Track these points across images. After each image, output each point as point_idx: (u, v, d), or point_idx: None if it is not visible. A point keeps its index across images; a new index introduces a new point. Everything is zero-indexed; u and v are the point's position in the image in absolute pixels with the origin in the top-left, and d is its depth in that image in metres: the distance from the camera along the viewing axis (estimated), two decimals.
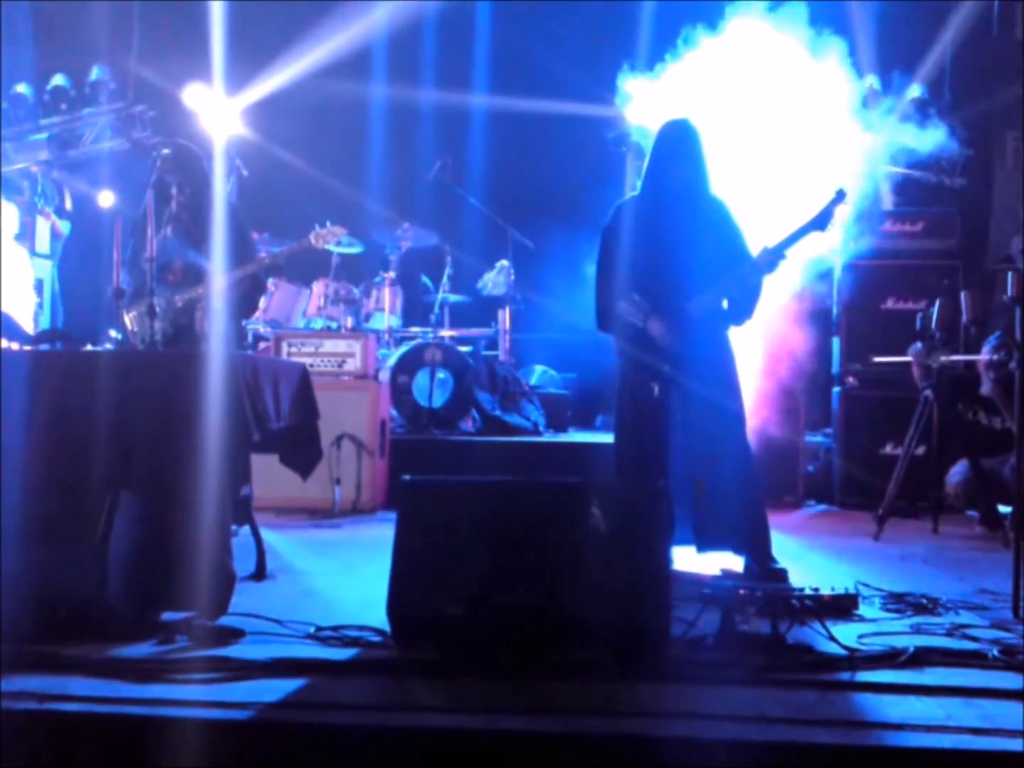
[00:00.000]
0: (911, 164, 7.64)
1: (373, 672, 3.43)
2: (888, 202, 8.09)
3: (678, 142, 5.06)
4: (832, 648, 3.60)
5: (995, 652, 3.58)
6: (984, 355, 6.18)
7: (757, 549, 4.94)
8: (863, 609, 4.21)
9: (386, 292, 8.88)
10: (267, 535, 5.04)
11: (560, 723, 2.95)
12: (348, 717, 3.00)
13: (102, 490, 3.82)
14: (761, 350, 6.91)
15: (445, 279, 9.05)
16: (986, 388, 6.23)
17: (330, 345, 7.61)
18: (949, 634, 3.86)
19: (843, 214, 5.06)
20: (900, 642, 3.68)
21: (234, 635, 3.73)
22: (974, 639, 3.79)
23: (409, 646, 3.59)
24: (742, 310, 5.10)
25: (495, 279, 9.22)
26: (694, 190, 5.08)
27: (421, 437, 8.05)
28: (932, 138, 7.22)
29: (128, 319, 5.64)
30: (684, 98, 6.49)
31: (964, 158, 7.62)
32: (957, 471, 6.58)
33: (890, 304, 7.67)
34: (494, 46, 10.43)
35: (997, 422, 6.32)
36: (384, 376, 7.99)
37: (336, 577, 5.00)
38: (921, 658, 3.50)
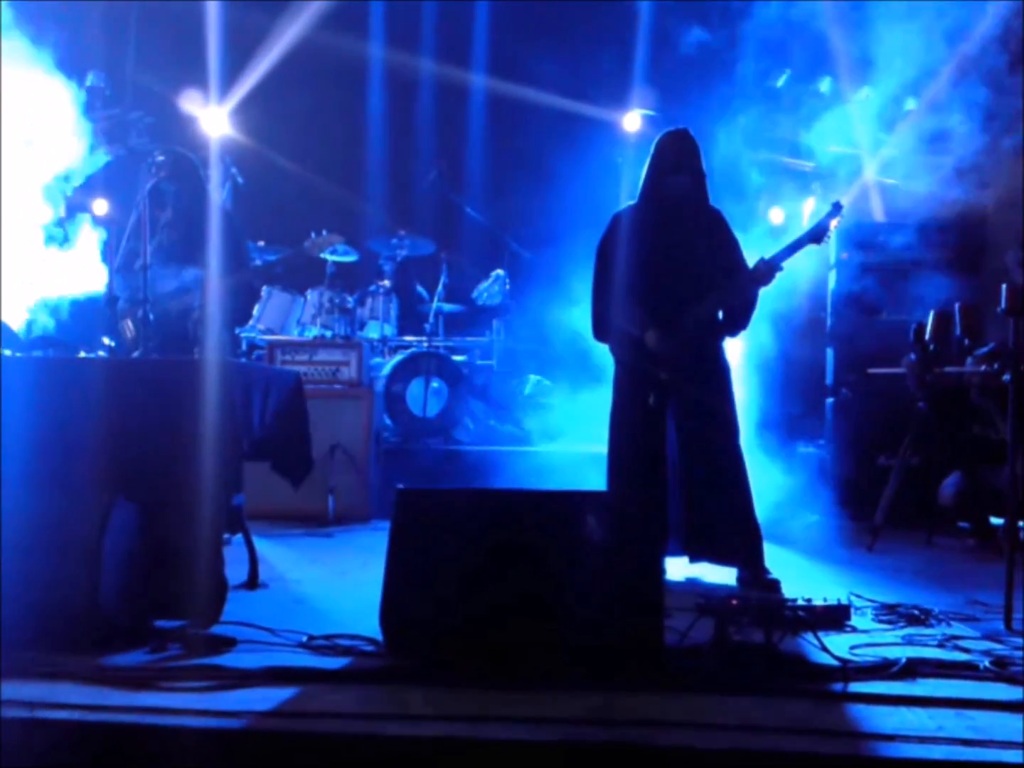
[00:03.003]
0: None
1: (366, 681, 3.42)
2: (880, 213, 8.12)
3: (678, 152, 5.07)
4: (824, 659, 3.60)
5: (986, 663, 3.58)
6: (969, 366, 6.18)
7: (750, 559, 4.94)
8: (855, 620, 4.20)
9: (380, 301, 8.88)
10: (260, 544, 5.04)
11: (553, 732, 2.95)
12: (341, 726, 3.00)
13: (95, 498, 3.81)
14: (755, 360, 6.94)
15: (440, 288, 9.05)
16: (976, 398, 6.23)
17: (324, 354, 7.61)
18: (941, 645, 3.87)
19: (837, 226, 5.09)
20: (892, 653, 3.69)
21: (227, 644, 3.72)
22: (966, 650, 3.80)
23: (402, 655, 3.58)
24: (737, 321, 5.12)
25: (490, 288, 9.24)
26: (693, 200, 5.09)
27: (415, 446, 8.04)
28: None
29: (122, 326, 5.64)
30: None
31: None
32: (950, 482, 6.58)
33: (884, 315, 7.68)
34: (491, 55, 10.46)
35: (991, 432, 6.32)
36: (378, 385, 7.99)
37: (329, 586, 5.00)
38: (913, 669, 3.51)
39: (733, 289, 5.00)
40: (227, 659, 3.56)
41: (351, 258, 9.11)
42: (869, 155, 8.02)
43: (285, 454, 4.92)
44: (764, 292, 5.14)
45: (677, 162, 5.06)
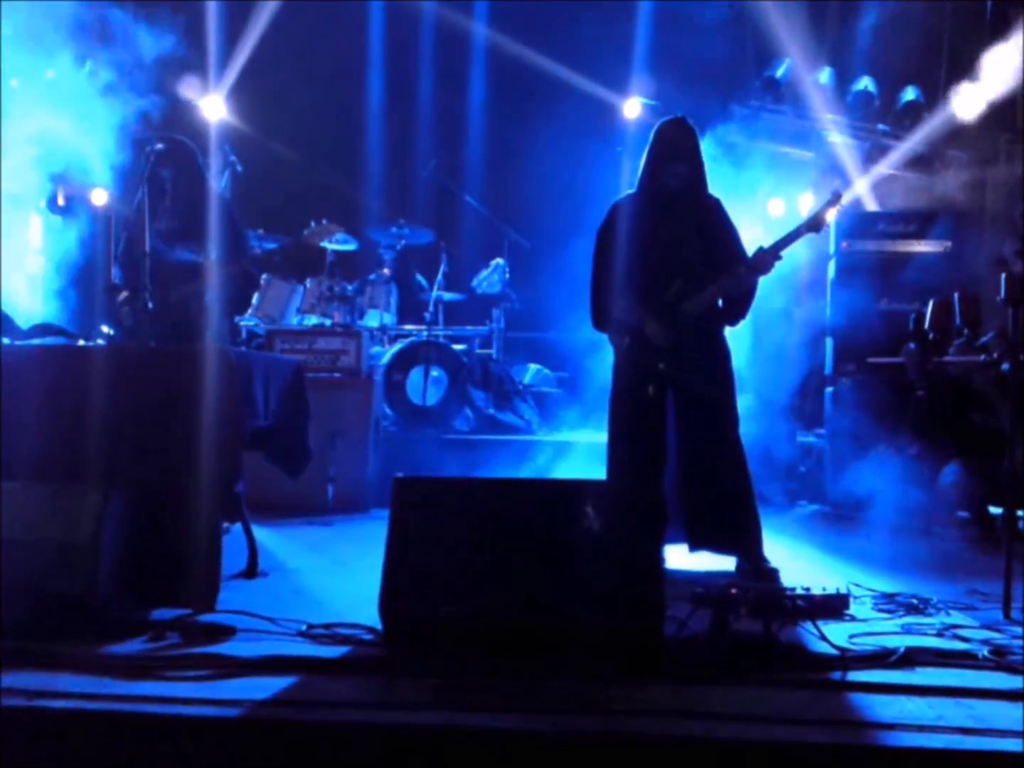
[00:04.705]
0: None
1: (364, 670, 3.42)
2: (872, 204, 8.12)
3: (677, 141, 5.06)
4: (823, 648, 3.60)
5: (985, 652, 3.59)
6: (952, 354, 6.18)
7: (749, 549, 4.95)
8: (854, 609, 4.21)
9: (380, 289, 8.86)
10: (259, 532, 5.03)
11: (552, 722, 2.95)
12: (339, 715, 3.00)
13: (93, 486, 3.81)
14: (755, 350, 6.94)
15: (440, 277, 9.04)
16: (981, 384, 6.23)
17: (323, 342, 7.60)
18: (940, 634, 3.87)
19: (836, 215, 5.08)
20: (891, 642, 3.69)
21: (225, 632, 3.72)
22: (964, 639, 3.80)
23: (401, 644, 3.58)
24: (737, 310, 5.12)
25: (490, 277, 9.22)
26: (692, 189, 5.08)
27: (414, 435, 8.04)
28: None
29: (121, 314, 5.63)
30: None
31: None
32: (949, 472, 6.58)
33: (884, 305, 7.67)
34: (493, 43, 10.43)
35: (991, 420, 6.32)
36: (378, 374, 7.98)
37: (328, 575, 5.00)
38: (912, 658, 3.51)
39: (732, 278, 4.99)
40: (226, 648, 3.56)
41: (351, 246, 9.09)
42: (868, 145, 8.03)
43: (286, 444, 4.91)
44: (763, 281, 5.14)
45: (675, 151, 5.05)
